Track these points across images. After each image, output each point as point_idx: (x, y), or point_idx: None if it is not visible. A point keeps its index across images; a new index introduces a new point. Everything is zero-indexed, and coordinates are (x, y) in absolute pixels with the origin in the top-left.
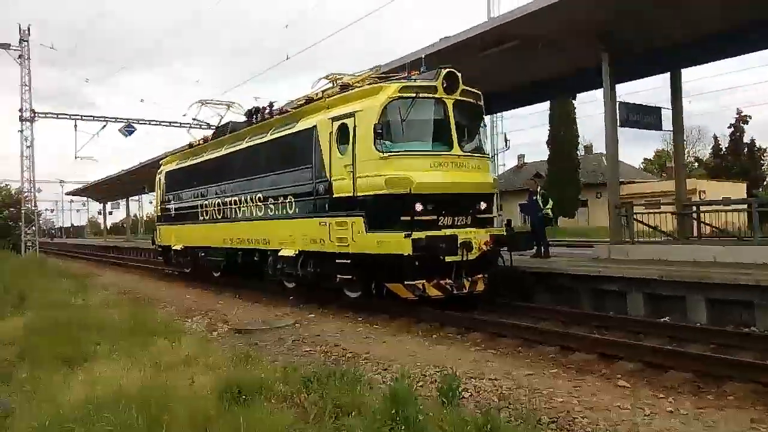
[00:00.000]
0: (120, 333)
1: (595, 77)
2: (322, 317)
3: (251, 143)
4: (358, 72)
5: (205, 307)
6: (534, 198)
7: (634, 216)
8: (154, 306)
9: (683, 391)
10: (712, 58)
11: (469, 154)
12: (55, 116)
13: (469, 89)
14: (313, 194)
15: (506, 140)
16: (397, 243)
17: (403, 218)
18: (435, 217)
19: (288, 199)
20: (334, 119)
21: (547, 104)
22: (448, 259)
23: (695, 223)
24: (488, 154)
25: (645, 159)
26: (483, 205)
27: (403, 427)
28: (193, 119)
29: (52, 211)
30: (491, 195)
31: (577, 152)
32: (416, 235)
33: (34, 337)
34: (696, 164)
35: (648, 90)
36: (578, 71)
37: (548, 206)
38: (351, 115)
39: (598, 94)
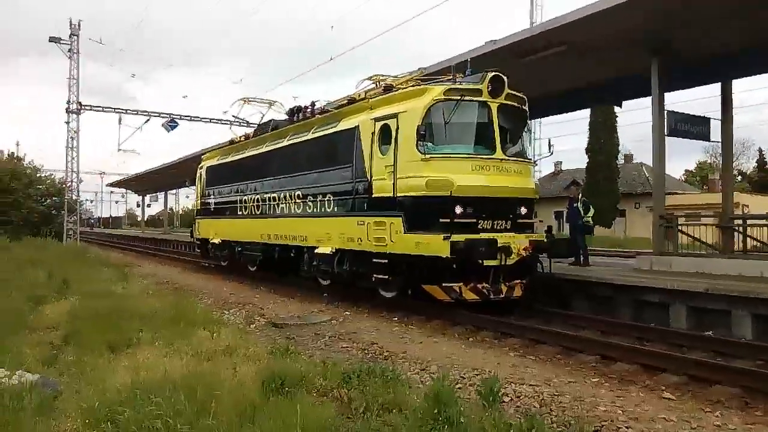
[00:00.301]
0: (161, 322)
1: (643, 85)
2: (358, 315)
3: (292, 141)
4: (401, 74)
5: (242, 300)
6: (575, 205)
7: (679, 228)
8: (193, 297)
9: (731, 406)
10: (765, 70)
11: (511, 158)
12: (101, 109)
13: (515, 93)
14: (352, 193)
15: (550, 145)
16: (435, 245)
17: (442, 220)
18: (474, 220)
19: (327, 198)
20: (376, 120)
21: (586, 111)
22: (486, 263)
23: (739, 237)
24: (531, 159)
25: (686, 170)
26: (523, 210)
27: (446, 427)
28: (234, 117)
29: (91, 201)
30: (532, 200)
31: (617, 161)
32: (455, 237)
33: (79, 322)
34: (739, 177)
35: (687, 101)
36: (625, 78)
37: (589, 214)
38: (394, 116)
39: (642, 101)
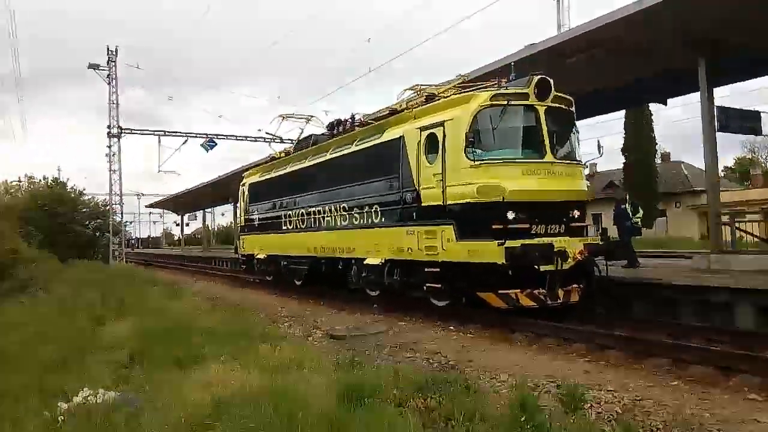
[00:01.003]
0: (221, 337)
1: (688, 81)
2: (412, 325)
3: (335, 154)
4: (441, 82)
5: (293, 314)
6: (622, 207)
7: (737, 226)
8: (246, 312)
9: None
10: None
11: (561, 161)
12: (141, 132)
13: (561, 95)
14: (399, 203)
15: (599, 146)
16: (489, 251)
17: (494, 226)
18: (527, 225)
19: (373, 209)
20: (422, 129)
21: (621, 111)
22: (542, 268)
23: None
24: (581, 161)
25: (725, 167)
26: (576, 213)
27: None
28: (268, 133)
29: (130, 222)
30: (584, 203)
31: (655, 160)
32: (510, 243)
33: (143, 340)
34: None
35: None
36: (669, 75)
37: (638, 215)
38: (440, 124)
39: (677, 99)
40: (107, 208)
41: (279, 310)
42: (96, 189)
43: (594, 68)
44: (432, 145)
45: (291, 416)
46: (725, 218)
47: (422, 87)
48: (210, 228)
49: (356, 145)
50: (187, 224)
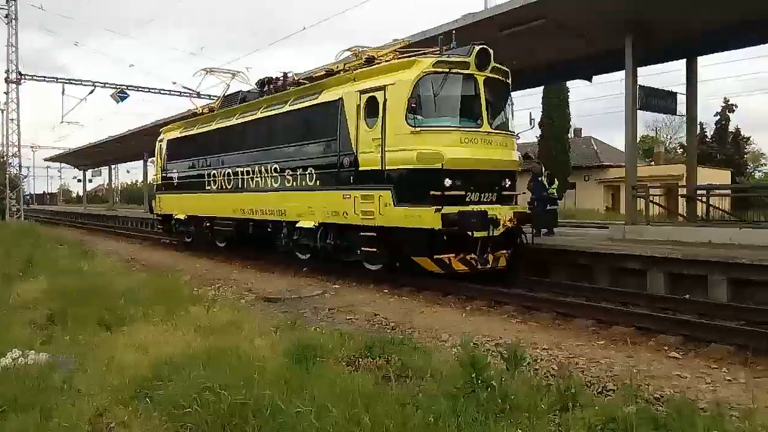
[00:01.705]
0: (147, 299)
1: (613, 60)
2: (347, 288)
3: (267, 113)
4: (381, 45)
5: (220, 276)
6: (539, 179)
7: (651, 198)
8: (168, 274)
9: (733, 362)
10: (728, 47)
11: (497, 131)
12: (43, 79)
13: (499, 66)
14: (336, 167)
15: (531, 119)
16: (426, 217)
17: (432, 193)
18: (463, 192)
19: (308, 171)
20: (362, 92)
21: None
22: (476, 234)
23: (701, 206)
24: (514, 132)
25: None
26: (508, 182)
27: (486, 391)
28: (185, 87)
29: (25, 177)
30: (515, 172)
31: (568, 136)
32: (447, 209)
33: (61, 300)
34: (680, 150)
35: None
36: (597, 53)
37: (554, 186)
38: (381, 88)
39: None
40: (3, 160)
41: (204, 272)
42: None
43: (529, 42)
44: (372, 109)
45: (246, 375)
46: (641, 192)
47: (361, 49)
48: (113, 186)
49: (290, 105)
50: (90, 180)
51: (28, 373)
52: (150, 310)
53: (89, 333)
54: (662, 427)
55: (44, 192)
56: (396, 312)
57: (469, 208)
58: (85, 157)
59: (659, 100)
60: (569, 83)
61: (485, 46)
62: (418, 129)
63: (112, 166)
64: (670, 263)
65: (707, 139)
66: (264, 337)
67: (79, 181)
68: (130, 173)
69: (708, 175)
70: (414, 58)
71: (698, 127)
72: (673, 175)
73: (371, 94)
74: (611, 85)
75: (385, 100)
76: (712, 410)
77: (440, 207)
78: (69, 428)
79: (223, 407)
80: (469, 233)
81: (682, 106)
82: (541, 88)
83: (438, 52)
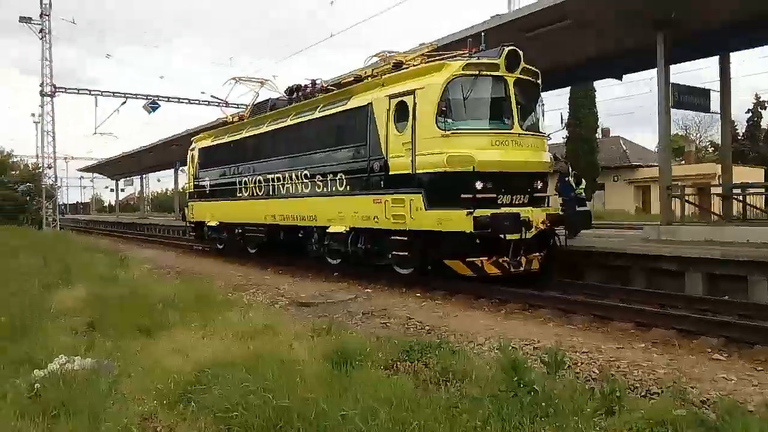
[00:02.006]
0: (183, 305)
1: (644, 58)
2: (379, 292)
3: (297, 120)
4: (408, 50)
5: (253, 282)
6: (566, 179)
7: (685, 198)
8: (202, 280)
9: None
10: (762, 42)
11: (528, 132)
12: (76, 91)
13: (529, 67)
14: (366, 172)
15: (562, 119)
16: (458, 220)
17: (463, 196)
18: (494, 195)
19: (338, 177)
20: (391, 97)
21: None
22: (508, 237)
23: (740, 205)
24: (545, 133)
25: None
26: (539, 184)
27: (529, 395)
28: (213, 96)
29: (59, 187)
30: (546, 174)
31: (596, 136)
32: (479, 212)
33: (101, 307)
34: (711, 149)
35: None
36: (627, 51)
37: (581, 187)
38: (411, 92)
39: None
40: (39, 171)
41: (237, 278)
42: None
43: (557, 42)
44: (401, 113)
45: (288, 379)
46: (675, 192)
47: (389, 54)
48: (144, 194)
49: (320, 112)
50: (123, 189)
51: (75, 379)
52: (187, 316)
53: (129, 339)
54: (713, 430)
55: (77, 202)
56: (430, 316)
57: (501, 210)
58: (117, 167)
59: (693, 98)
60: (596, 82)
61: (515, 47)
62: (449, 132)
63: (144, 176)
64: (709, 264)
65: (739, 137)
66: (301, 342)
67: (112, 190)
68: (160, 182)
69: (741, 174)
70: (443, 61)
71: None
72: (705, 174)
73: (401, 98)
74: (641, 83)
75: (415, 104)
76: (762, 413)
77: (472, 210)
78: (118, 431)
79: (268, 411)
80: (502, 236)
81: (713, 104)
82: (568, 88)
83: (467, 54)
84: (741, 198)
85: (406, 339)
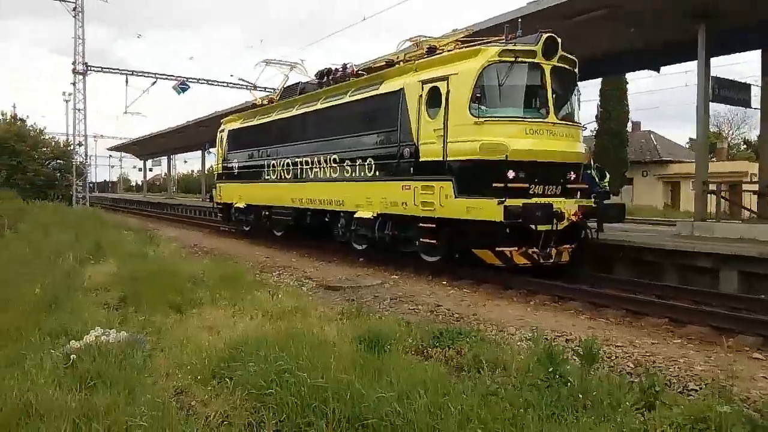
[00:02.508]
0: (213, 283)
1: (683, 50)
2: (405, 279)
3: (327, 104)
4: (443, 35)
5: (279, 264)
6: (588, 172)
7: (722, 194)
8: (230, 260)
9: None
10: None
11: (563, 122)
12: (108, 70)
13: (567, 55)
14: (396, 157)
15: (598, 114)
16: (488, 209)
17: (495, 185)
18: (526, 185)
19: (367, 162)
20: (424, 82)
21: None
22: (539, 227)
23: None
24: (580, 123)
25: (690, 139)
26: (573, 175)
27: (565, 386)
28: (241, 80)
29: (89, 165)
30: (580, 165)
31: (626, 129)
32: (510, 202)
33: (133, 283)
34: (743, 146)
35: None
36: (666, 43)
37: (605, 180)
38: (444, 78)
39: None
40: (70, 148)
41: (264, 259)
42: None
43: (594, 31)
44: (434, 99)
45: (321, 359)
46: (712, 187)
47: (423, 39)
48: (171, 175)
49: (350, 96)
50: (151, 169)
51: (110, 351)
52: (217, 294)
53: (161, 314)
54: (759, 428)
55: (105, 180)
56: (458, 304)
57: (533, 200)
58: (146, 147)
59: (733, 92)
60: (629, 74)
61: (553, 34)
62: (482, 119)
63: (171, 156)
64: (744, 261)
65: None
66: (331, 324)
67: (140, 170)
68: (187, 163)
69: None
70: (479, 47)
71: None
72: (737, 171)
73: (434, 84)
74: (670, 76)
75: (448, 90)
76: None
77: (503, 199)
78: (155, 404)
79: (303, 389)
80: (533, 226)
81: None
82: (599, 79)
83: (503, 40)
84: None
85: (436, 325)
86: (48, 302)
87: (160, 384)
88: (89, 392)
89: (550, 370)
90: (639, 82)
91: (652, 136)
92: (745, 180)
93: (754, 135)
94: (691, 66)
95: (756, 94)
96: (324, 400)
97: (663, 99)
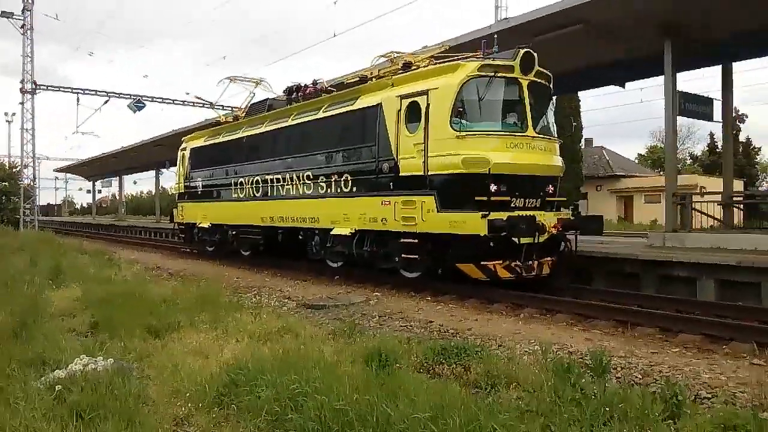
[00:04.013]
0: (187, 306)
1: (648, 66)
2: (388, 296)
3: (299, 120)
4: (417, 50)
5: (252, 284)
6: None
7: (692, 206)
8: (200, 282)
9: None
10: (765, 53)
11: (541, 136)
12: (57, 89)
13: (543, 70)
14: (375, 172)
15: (572, 124)
16: (472, 223)
17: (477, 198)
18: (508, 198)
19: (344, 177)
20: (402, 97)
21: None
22: (522, 240)
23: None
24: (556, 137)
25: (639, 154)
26: (551, 188)
27: (590, 400)
28: (197, 98)
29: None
30: (558, 178)
31: (580, 145)
32: (494, 215)
33: (103, 308)
34: (689, 160)
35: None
36: (633, 59)
37: None
38: (424, 92)
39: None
40: (16, 170)
41: (234, 280)
42: None
43: (563, 47)
44: (413, 114)
45: (330, 381)
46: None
47: (397, 55)
48: (118, 197)
49: (324, 112)
50: (99, 191)
51: (99, 380)
52: (194, 317)
53: (139, 339)
54: None
55: (48, 203)
56: (448, 319)
57: (517, 213)
58: (96, 168)
59: (697, 106)
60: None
61: (530, 50)
62: (463, 133)
63: (121, 177)
64: (722, 270)
65: (717, 149)
66: (326, 344)
67: (88, 191)
68: (136, 184)
69: (718, 185)
70: (458, 62)
71: (709, 137)
72: (687, 185)
73: (413, 98)
74: (615, 95)
75: (428, 104)
76: None
77: (486, 212)
78: None
79: (323, 413)
80: (515, 239)
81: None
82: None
83: (480, 55)
84: (742, 207)
85: (435, 342)
86: (14, 330)
87: (158, 413)
88: (86, 425)
89: (570, 383)
90: (587, 100)
91: (604, 151)
92: (695, 192)
93: (698, 149)
94: (645, 83)
95: (718, 108)
96: (348, 424)
97: (610, 116)
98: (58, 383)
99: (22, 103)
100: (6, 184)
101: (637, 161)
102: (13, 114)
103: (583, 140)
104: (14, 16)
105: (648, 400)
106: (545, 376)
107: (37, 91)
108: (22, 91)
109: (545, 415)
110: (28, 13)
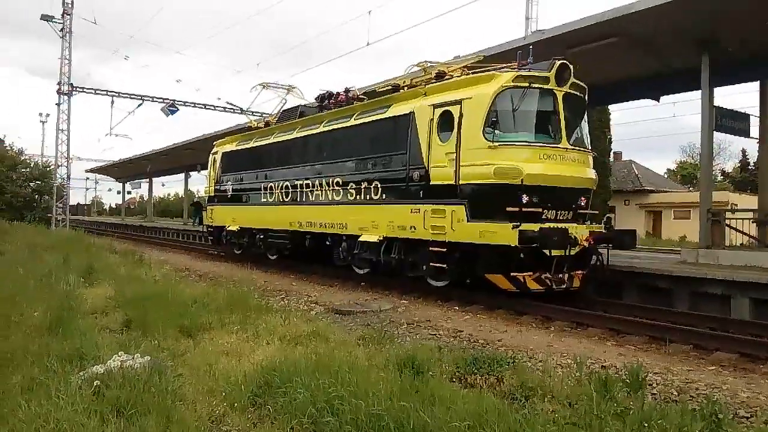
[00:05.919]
0: (217, 307)
1: (685, 80)
2: (416, 303)
3: (330, 127)
4: (449, 60)
5: (280, 288)
6: None
7: (727, 222)
8: (230, 284)
9: None
10: None
11: (575, 147)
12: (93, 91)
13: (578, 82)
14: (405, 180)
15: (607, 137)
16: (502, 234)
17: (508, 209)
18: (540, 209)
19: (373, 185)
20: (436, 106)
21: None
22: (553, 252)
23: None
24: (590, 149)
25: (668, 169)
26: (584, 201)
27: (630, 415)
28: (228, 103)
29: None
30: (591, 191)
31: (609, 159)
32: (525, 226)
33: (135, 307)
34: (720, 177)
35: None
36: (668, 73)
37: None
38: (457, 102)
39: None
40: (49, 169)
41: (262, 283)
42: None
43: (598, 60)
44: (446, 123)
45: (367, 386)
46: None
47: (430, 64)
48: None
49: (356, 119)
50: (129, 192)
51: (137, 377)
52: (224, 318)
53: (171, 339)
54: None
55: (78, 203)
56: (477, 329)
57: (549, 225)
58: (127, 169)
59: (734, 122)
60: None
61: (566, 62)
62: (496, 144)
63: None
64: (758, 288)
65: (750, 166)
66: (356, 349)
67: (118, 192)
68: (164, 186)
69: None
70: (492, 72)
71: (741, 153)
72: (719, 201)
73: (446, 108)
74: (647, 109)
75: (461, 114)
76: None
77: (518, 223)
78: None
79: (360, 417)
80: (546, 251)
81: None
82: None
83: (515, 66)
84: None
85: (467, 352)
86: (50, 325)
87: (194, 411)
88: (126, 421)
89: (607, 397)
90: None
91: (633, 165)
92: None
93: (729, 166)
94: (676, 98)
95: (755, 123)
96: (384, 429)
97: (640, 130)
98: (97, 378)
99: (58, 104)
100: (40, 183)
101: (666, 176)
102: (47, 115)
103: (612, 153)
104: (54, 20)
105: (687, 417)
106: (582, 389)
107: (74, 93)
108: (59, 93)
109: (585, 428)
110: (68, 17)
